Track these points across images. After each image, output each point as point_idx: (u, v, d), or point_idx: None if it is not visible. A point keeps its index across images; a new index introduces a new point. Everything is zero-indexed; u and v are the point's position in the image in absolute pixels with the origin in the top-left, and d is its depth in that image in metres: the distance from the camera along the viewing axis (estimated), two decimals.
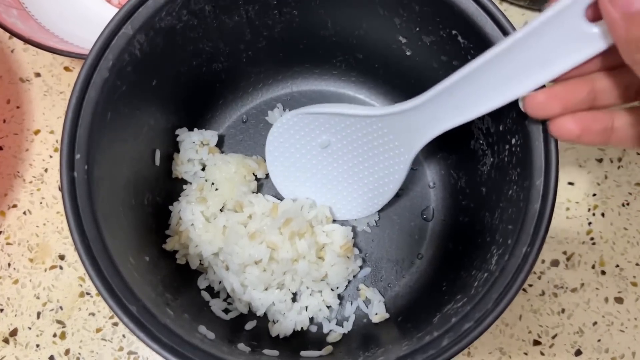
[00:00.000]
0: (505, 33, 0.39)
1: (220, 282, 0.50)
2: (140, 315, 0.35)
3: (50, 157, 0.57)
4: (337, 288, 0.50)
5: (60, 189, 0.36)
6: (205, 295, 0.49)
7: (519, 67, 0.34)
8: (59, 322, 0.52)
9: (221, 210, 0.51)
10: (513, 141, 0.40)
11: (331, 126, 0.47)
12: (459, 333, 0.35)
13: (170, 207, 0.50)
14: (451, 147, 0.52)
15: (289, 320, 0.48)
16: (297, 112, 0.47)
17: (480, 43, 0.41)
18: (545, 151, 0.37)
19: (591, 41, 0.32)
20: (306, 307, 0.49)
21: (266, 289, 0.48)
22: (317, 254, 0.48)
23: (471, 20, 0.40)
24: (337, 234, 0.49)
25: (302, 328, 0.49)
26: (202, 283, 0.50)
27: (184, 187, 0.52)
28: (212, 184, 0.51)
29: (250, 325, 0.48)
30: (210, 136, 0.53)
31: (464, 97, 0.38)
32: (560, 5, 0.31)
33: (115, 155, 0.42)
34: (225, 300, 0.49)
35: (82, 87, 0.38)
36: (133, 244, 0.42)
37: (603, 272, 0.53)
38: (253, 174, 0.52)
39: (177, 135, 0.52)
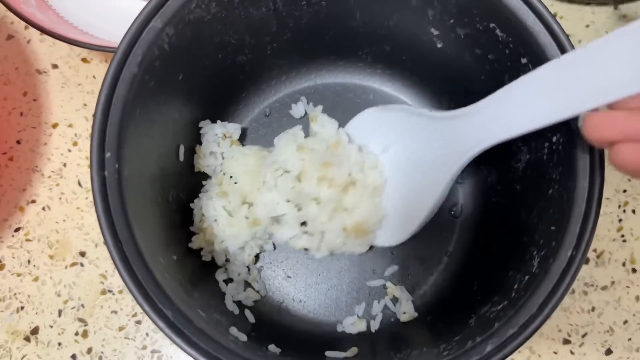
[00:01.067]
0: (547, 26, 0.38)
1: (239, 274, 0.49)
2: (176, 320, 0.34)
3: (69, 151, 0.55)
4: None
5: (92, 189, 0.35)
6: (223, 286, 0.48)
7: (576, 85, 0.32)
8: (80, 320, 0.51)
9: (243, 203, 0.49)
10: (554, 139, 0.39)
11: (391, 129, 0.47)
12: (503, 339, 0.35)
13: (191, 205, 0.49)
14: None
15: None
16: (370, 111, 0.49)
17: (519, 37, 0.40)
18: (591, 151, 0.36)
19: None
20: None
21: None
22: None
23: (512, 13, 0.39)
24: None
25: None
26: (220, 276, 0.49)
27: (203, 182, 0.51)
28: (231, 177, 0.50)
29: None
30: (233, 129, 0.51)
31: (516, 109, 0.36)
32: (633, 27, 0.29)
33: (144, 152, 0.41)
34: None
35: (111, 83, 0.37)
36: (162, 243, 0.41)
37: (634, 270, 0.52)
38: None
39: (201, 129, 0.50)
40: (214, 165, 0.51)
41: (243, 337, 0.40)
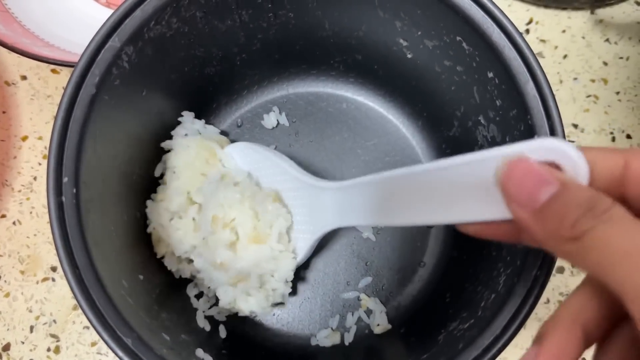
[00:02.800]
0: (512, 41, 0.38)
1: (209, 287, 0.48)
2: (135, 347, 0.34)
3: (39, 164, 0.55)
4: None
5: (49, 216, 0.35)
6: (195, 302, 0.47)
7: (427, 196, 0.31)
8: (52, 335, 0.51)
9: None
10: None
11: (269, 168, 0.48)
12: None
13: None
14: (454, 151, 0.50)
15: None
16: (248, 145, 0.48)
17: (485, 51, 0.39)
18: None
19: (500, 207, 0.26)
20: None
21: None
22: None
23: (477, 27, 0.38)
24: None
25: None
26: (191, 291, 0.48)
27: None
28: (174, 172, 0.47)
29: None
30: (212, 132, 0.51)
31: (371, 202, 0.36)
32: (478, 156, 0.27)
33: (106, 172, 0.40)
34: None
35: (68, 106, 0.36)
36: (126, 264, 0.40)
37: None
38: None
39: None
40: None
41: (209, 359, 0.39)
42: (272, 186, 0.47)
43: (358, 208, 0.38)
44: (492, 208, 0.27)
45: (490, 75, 0.40)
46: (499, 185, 0.26)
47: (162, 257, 0.47)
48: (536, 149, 0.25)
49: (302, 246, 0.46)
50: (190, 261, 0.46)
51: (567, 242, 0.23)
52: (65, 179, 0.36)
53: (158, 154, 0.48)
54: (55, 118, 0.36)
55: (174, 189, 0.46)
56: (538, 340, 0.26)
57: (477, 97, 0.43)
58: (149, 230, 0.46)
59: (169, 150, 0.48)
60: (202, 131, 0.50)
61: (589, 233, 0.22)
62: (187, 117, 0.50)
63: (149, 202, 0.47)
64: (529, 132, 0.37)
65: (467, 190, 0.28)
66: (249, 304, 0.45)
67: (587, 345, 0.26)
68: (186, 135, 0.49)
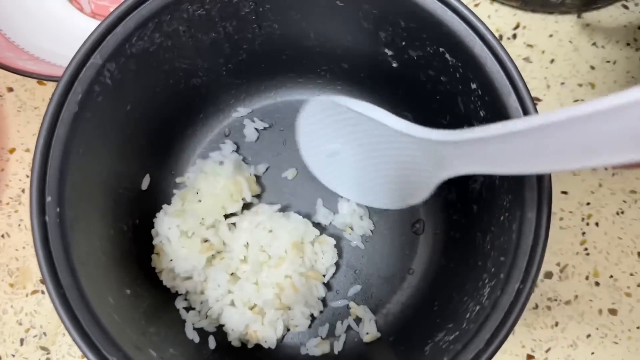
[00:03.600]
0: (495, 54, 0.38)
1: (202, 302, 0.48)
2: None
3: (27, 176, 0.55)
4: None
5: (32, 235, 0.35)
6: (184, 314, 0.47)
7: (562, 145, 0.30)
8: (43, 348, 0.51)
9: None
10: None
11: (362, 125, 0.44)
12: None
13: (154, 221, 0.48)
14: None
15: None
16: (334, 99, 0.43)
17: (468, 63, 0.39)
18: (539, 182, 0.36)
19: None
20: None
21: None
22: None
23: (459, 40, 0.38)
24: None
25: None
26: (180, 304, 0.48)
27: (163, 206, 0.50)
28: (197, 192, 0.49)
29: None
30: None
31: (500, 152, 0.33)
32: (623, 98, 0.26)
33: (91, 189, 0.40)
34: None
35: (50, 125, 0.36)
36: (113, 280, 0.40)
37: (597, 283, 0.52)
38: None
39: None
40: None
41: None
42: (365, 141, 0.45)
43: (484, 158, 0.35)
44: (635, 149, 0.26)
45: (474, 86, 0.40)
46: None
47: (159, 272, 0.47)
48: None
49: (421, 194, 0.44)
50: (186, 279, 0.47)
51: None
52: (48, 199, 0.36)
53: (144, 166, 0.48)
54: (38, 137, 0.36)
55: (192, 212, 0.47)
56: None
57: (461, 106, 0.43)
58: (155, 242, 0.47)
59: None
60: (235, 165, 0.51)
61: None
62: (228, 146, 0.52)
63: (159, 214, 0.48)
64: None
65: (609, 134, 0.27)
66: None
67: None
68: (221, 163, 0.50)
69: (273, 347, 0.47)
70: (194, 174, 0.50)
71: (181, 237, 0.47)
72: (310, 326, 0.49)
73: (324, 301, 0.50)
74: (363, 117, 0.42)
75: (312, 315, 0.49)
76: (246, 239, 0.47)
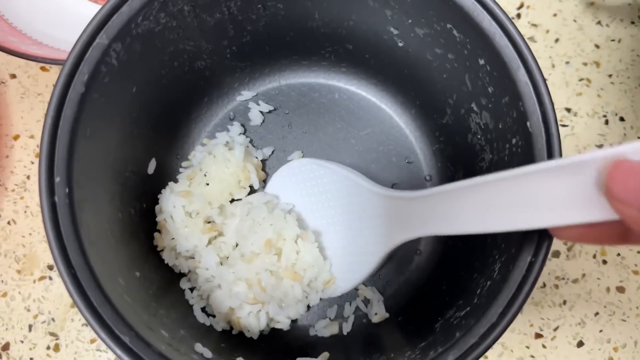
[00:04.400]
0: (503, 28, 0.37)
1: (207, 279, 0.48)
2: (134, 345, 0.34)
3: (32, 163, 0.54)
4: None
5: (42, 216, 0.34)
6: (188, 294, 0.47)
7: (522, 201, 0.31)
8: (51, 334, 0.51)
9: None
10: (514, 141, 0.39)
11: (334, 182, 0.47)
12: (464, 350, 0.34)
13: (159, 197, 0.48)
14: (447, 138, 0.50)
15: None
16: (311, 160, 0.48)
17: (476, 39, 0.39)
18: (549, 155, 0.36)
19: (601, 208, 0.27)
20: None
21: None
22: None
23: (467, 15, 0.38)
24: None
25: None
26: (185, 284, 0.48)
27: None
28: (205, 175, 0.49)
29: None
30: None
31: (461, 209, 0.35)
32: (575, 159, 0.27)
33: (98, 171, 0.40)
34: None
35: (57, 106, 0.36)
36: (122, 262, 0.40)
37: (604, 262, 0.52)
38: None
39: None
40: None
41: (208, 354, 0.39)
42: (335, 201, 0.47)
43: (441, 216, 0.37)
44: (592, 210, 0.27)
45: (482, 62, 0.39)
46: (603, 185, 0.26)
47: (161, 251, 0.47)
48: (634, 151, 0.25)
49: (371, 259, 0.45)
50: (189, 258, 0.47)
51: None
52: (57, 179, 0.35)
53: (150, 150, 0.48)
54: (45, 118, 0.35)
55: (199, 194, 0.47)
56: None
57: (469, 84, 0.43)
58: (158, 219, 0.47)
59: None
60: (245, 150, 0.50)
61: None
62: (236, 127, 0.52)
63: (164, 191, 0.48)
64: (521, 119, 0.37)
65: (564, 193, 0.28)
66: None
67: None
68: (227, 143, 0.50)
69: (255, 337, 0.46)
70: (202, 154, 0.50)
71: (185, 216, 0.47)
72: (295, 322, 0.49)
73: None
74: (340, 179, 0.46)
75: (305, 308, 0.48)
76: (235, 227, 0.47)
